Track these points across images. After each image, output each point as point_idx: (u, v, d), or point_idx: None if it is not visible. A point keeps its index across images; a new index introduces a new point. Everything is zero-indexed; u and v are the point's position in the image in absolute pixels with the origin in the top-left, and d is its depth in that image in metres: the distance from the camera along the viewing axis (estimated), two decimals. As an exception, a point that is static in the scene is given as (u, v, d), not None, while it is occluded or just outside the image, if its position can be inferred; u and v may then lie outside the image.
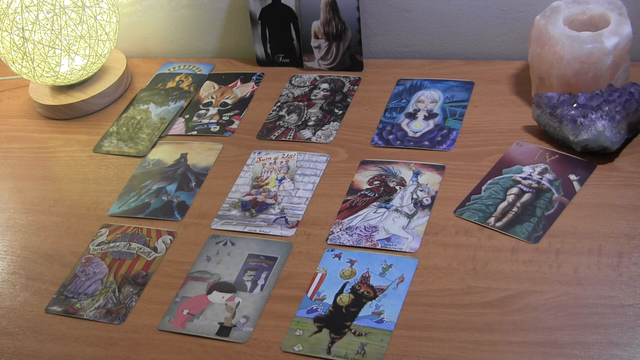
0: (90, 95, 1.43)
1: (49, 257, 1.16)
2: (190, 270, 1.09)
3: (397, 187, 1.14)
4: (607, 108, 1.09)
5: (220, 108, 1.38)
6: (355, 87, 1.35)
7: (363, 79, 1.37)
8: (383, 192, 1.13)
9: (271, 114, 1.33)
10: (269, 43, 1.43)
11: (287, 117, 1.32)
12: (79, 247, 1.16)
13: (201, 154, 1.28)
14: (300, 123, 1.30)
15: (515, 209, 1.06)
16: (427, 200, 1.11)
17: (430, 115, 1.25)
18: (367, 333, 0.95)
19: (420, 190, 1.12)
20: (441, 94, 1.29)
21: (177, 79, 1.47)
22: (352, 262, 1.04)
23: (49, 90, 1.46)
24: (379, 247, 1.06)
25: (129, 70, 1.51)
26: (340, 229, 1.09)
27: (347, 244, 1.07)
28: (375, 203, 1.12)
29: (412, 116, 1.26)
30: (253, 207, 1.16)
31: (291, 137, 1.27)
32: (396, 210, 1.10)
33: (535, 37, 1.17)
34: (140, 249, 1.14)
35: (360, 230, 1.08)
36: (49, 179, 1.31)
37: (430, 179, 1.14)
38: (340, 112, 1.30)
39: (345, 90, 1.35)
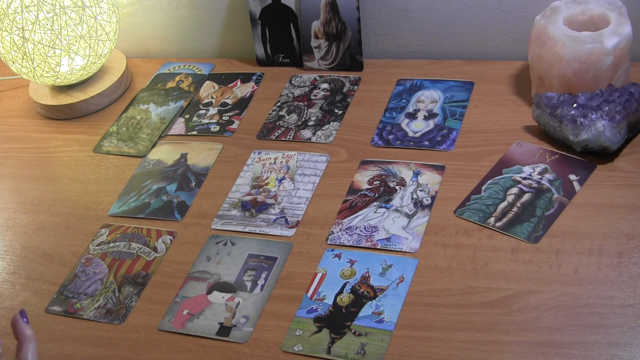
0: (90, 95, 1.43)
1: (49, 257, 1.16)
2: (190, 270, 1.09)
3: (397, 187, 1.14)
4: (607, 108, 1.09)
5: (220, 108, 1.38)
6: (355, 87, 1.35)
7: (363, 79, 1.37)
8: (383, 192, 1.13)
9: (271, 114, 1.33)
10: (269, 43, 1.43)
11: (287, 117, 1.32)
12: (79, 247, 1.16)
13: (201, 154, 1.28)
14: (300, 123, 1.30)
15: (515, 209, 1.06)
16: (427, 200, 1.11)
17: (430, 115, 1.25)
18: (367, 333, 0.95)
19: (420, 190, 1.12)
20: (441, 94, 1.29)
21: (177, 79, 1.47)
22: (352, 262, 1.04)
23: (49, 90, 1.46)
24: (379, 247, 1.06)
25: (129, 70, 1.51)
26: (340, 229, 1.09)
27: (347, 244, 1.07)
28: (375, 203, 1.12)
29: (412, 116, 1.26)
30: (253, 207, 1.16)
31: (291, 137, 1.27)
32: (396, 210, 1.10)
33: (535, 37, 1.17)
34: (140, 249, 1.14)
35: (360, 230, 1.08)
36: (49, 179, 1.31)
37: (430, 179, 1.14)
38: (340, 112, 1.31)
39: (345, 90, 1.35)
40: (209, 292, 1.05)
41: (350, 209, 1.12)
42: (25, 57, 1.34)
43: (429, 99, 1.29)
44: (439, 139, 1.20)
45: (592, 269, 0.97)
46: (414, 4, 1.37)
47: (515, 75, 1.30)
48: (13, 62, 1.37)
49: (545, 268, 0.98)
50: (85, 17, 1.34)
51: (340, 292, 1.01)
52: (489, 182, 1.11)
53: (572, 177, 1.09)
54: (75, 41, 1.34)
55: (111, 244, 1.15)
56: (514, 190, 1.09)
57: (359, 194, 1.14)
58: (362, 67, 1.39)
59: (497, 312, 0.94)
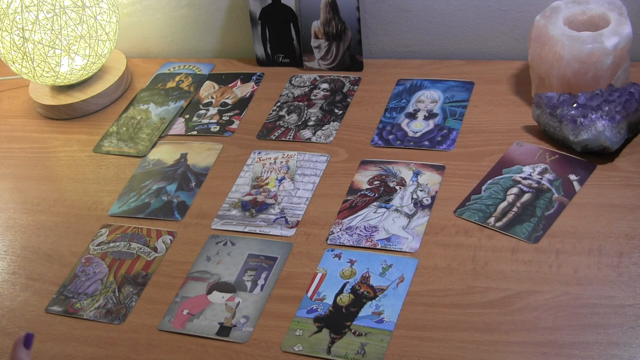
0: (90, 95, 1.43)
1: (49, 257, 1.16)
2: (190, 270, 1.09)
3: (397, 187, 1.14)
4: (607, 108, 1.09)
5: (220, 108, 1.38)
6: (355, 87, 1.35)
7: (363, 79, 1.37)
8: (383, 192, 1.13)
9: (271, 114, 1.33)
10: (269, 43, 1.43)
11: (287, 117, 1.32)
12: (79, 247, 1.16)
13: (201, 154, 1.28)
14: (300, 123, 1.30)
15: (515, 209, 1.06)
16: (427, 200, 1.11)
17: (430, 115, 1.25)
18: (367, 333, 0.95)
19: (420, 190, 1.12)
20: (441, 94, 1.29)
21: (177, 79, 1.47)
22: (352, 262, 1.04)
23: (49, 90, 1.46)
24: (379, 247, 1.06)
25: (129, 70, 1.51)
26: (340, 229, 1.09)
27: (347, 244, 1.07)
28: (375, 203, 1.12)
29: (412, 116, 1.26)
30: (253, 207, 1.16)
31: (291, 137, 1.27)
32: (396, 210, 1.10)
33: (535, 37, 1.17)
34: (140, 249, 1.14)
35: (360, 230, 1.08)
36: (49, 179, 1.31)
37: (430, 179, 1.14)
38: (340, 112, 1.30)
39: (345, 90, 1.35)
40: (209, 292, 1.05)
41: (350, 209, 1.12)
42: (25, 57, 1.34)
43: (429, 99, 1.28)
44: (439, 139, 1.20)
45: (592, 269, 0.97)
46: (414, 4, 1.37)
47: (515, 75, 1.30)
48: (13, 62, 1.37)
49: (545, 268, 0.98)
50: (85, 17, 1.34)
51: (340, 292, 1.01)
52: (489, 182, 1.11)
53: (572, 177, 1.09)
54: (75, 41, 1.34)
55: (111, 244, 1.15)
56: (514, 190, 1.09)
57: (359, 194, 1.14)
58: (362, 67, 1.39)
59: (497, 312, 0.94)
